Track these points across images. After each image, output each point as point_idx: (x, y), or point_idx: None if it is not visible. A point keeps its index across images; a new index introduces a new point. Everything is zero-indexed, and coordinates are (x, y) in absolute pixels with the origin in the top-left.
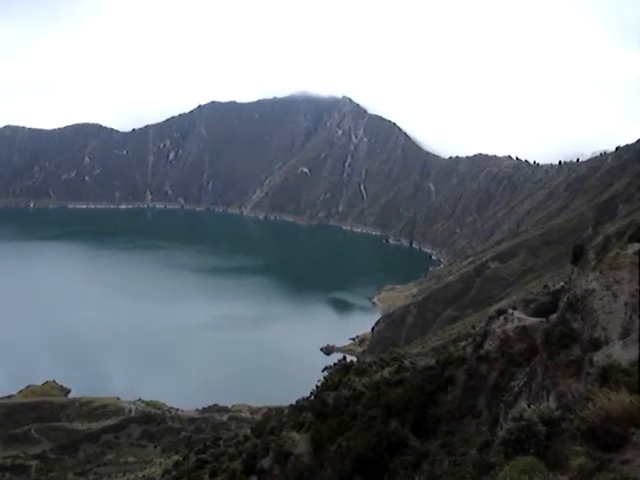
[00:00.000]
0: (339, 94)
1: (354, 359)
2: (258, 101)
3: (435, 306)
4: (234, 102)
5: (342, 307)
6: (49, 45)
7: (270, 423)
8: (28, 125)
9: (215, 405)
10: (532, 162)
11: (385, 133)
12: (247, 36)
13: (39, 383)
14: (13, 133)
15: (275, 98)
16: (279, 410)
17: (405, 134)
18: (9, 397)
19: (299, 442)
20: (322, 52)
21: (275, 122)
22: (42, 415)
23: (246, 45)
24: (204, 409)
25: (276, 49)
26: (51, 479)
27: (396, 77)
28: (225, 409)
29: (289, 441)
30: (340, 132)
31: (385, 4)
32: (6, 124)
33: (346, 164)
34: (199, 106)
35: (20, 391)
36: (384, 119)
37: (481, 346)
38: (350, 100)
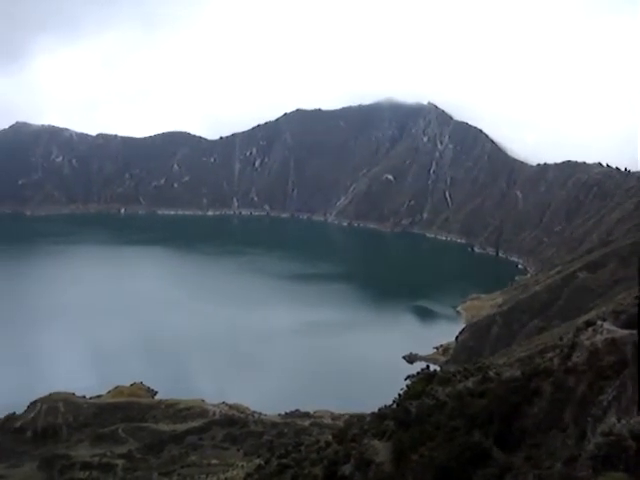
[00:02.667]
0: (424, 100)
1: (437, 368)
2: (343, 108)
3: (521, 316)
4: (319, 110)
5: (426, 315)
6: (142, 56)
7: (352, 430)
8: (120, 133)
9: (297, 410)
10: (623, 169)
11: (471, 140)
12: (334, 44)
13: (127, 384)
14: (106, 141)
15: (360, 105)
16: (361, 417)
17: (491, 141)
18: (98, 397)
19: (380, 450)
20: (408, 59)
21: (360, 129)
22: (129, 415)
23: (332, 53)
24: (286, 414)
25: (362, 56)
26: (136, 478)
27: (482, 83)
28: (307, 415)
29: (370, 449)
30: (425, 139)
31: (468, 11)
32: (99, 132)
33: (431, 171)
34: (285, 114)
35: (109, 391)
36: (470, 125)
37: (569, 358)
38: (435, 107)
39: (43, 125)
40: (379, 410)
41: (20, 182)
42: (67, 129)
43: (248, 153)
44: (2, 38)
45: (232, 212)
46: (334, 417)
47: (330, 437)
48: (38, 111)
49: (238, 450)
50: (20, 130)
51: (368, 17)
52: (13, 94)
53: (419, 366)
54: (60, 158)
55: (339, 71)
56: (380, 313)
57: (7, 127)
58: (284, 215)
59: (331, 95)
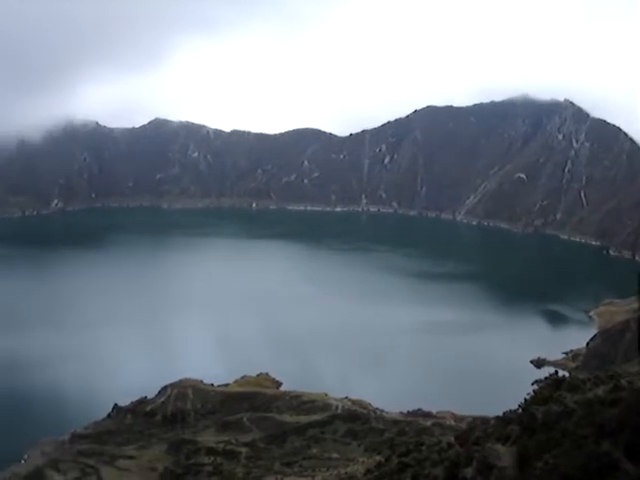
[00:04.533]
0: (560, 97)
1: (566, 374)
2: (475, 105)
3: None
4: (450, 106)
5: (555, 319)
6: (276, 54)
7: (474, 433)
8: (254, 130)
9: (419, 410)
10: None
11: (609, 138)
12: (467, 39)
13: (253, 374)
14: (240, 138)
15: (492, 102)
16: (484, 420)
17: (631, 139)
18: (225, 385)
19: (504, 455)
20: (543, 54)
21: (492, 126)
22: (254, 405)
23: (465, 48)
24: (408, 413)
25: (495, 51)
26: (259, 467)
27: (621, 79)
28: (429, 414)
29: (493, 453)
30: (560, 137)
31: (602, 6)
32: (234, 129)
33: (565, 170)
34: (415, 110)
35: (235, 380)
36: (608, 123)
37: None
38: (572, 103)
39: (181, 121)
40: (504, 414)
41: (158, 177)
42: (204, 126)
43: (377, 150)
44: (144, 39)
45: (360, 209)
46: (456, 418)
47: (452, 439)
48: (176, 108)
49: (359, 445)
50: (159, 126)
51: (502, 13)
52: (153, 92)
53: (547, 371)
54: (196, 154)
55: (471, 67)
56: (508, 315)
57: (146, 123)
58: (412, 213)
59: (463, 91)
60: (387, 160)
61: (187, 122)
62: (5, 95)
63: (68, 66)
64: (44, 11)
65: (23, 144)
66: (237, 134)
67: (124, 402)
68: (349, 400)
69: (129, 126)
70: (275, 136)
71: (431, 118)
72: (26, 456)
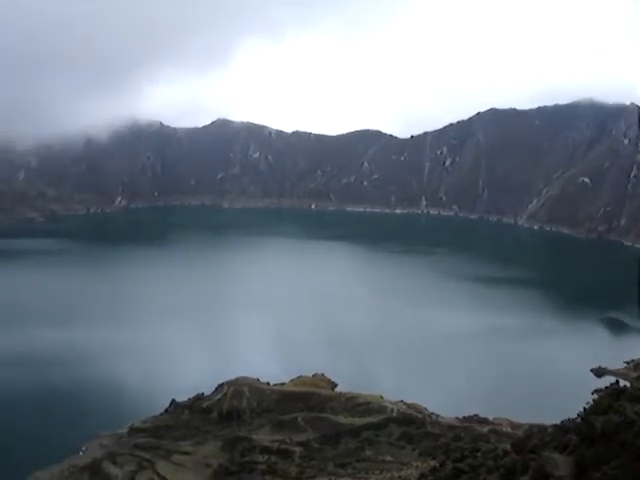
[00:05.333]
0: (626, 101)
1: (627, 384)
2: (539, 108)
3: None
4: (514, 109)
5: (617, 328)
6: (337, 55)
7: (531, 441)
8: (314, 131)
9: (476, 415)
10: None
11: None
12: (530, 42)
13: (309, 374)
14: (300, 139)
15: (557, 105)
16: (541, 428)
17: None
18: (281, 385)
19: (561, 464)
20: (610, 57)
21: (555, 130)
22: (309, 405)
23: (529, 51)
24: (464, 418)
25: (561, 55)
26: (312, 467)
27: None
28: (485, 421)
29: (550, 462)
30: (626, 141)
31: None
32: (294, 130)
33: (631, 175)
34: (478, 113)
35: (291, 380)
36: None
37: None
38: (638, 107)
39: (242, 122)
40: (562, 422)
41: (219, 176)
42: (265, 126)
43: (439, 152)
44: (208, 40)
45: (420, 211)
46: (513, 426)
47: (508, 446)
48: (239, 109)
49: (413, 450)
50: (221, 127)
51: (568, 15)
52: (216, 92)
53: (607, 380)
54: (257, 154)
55: (535, 69)
56: (568, 322)
57: (209, 124)
58: (473, 216)
59: (526, 94)
60: (448, 162)
61: (249, 123)
62: (74, 96)
63: (134, 67)
64: (111, 13)
65: (90, 143)
66: (298, 135)
67: (181, 398)
68: (404, 403)
69: (192, 126)
70: (335, 137)
71: (494, 121)
72: (84, 448)
